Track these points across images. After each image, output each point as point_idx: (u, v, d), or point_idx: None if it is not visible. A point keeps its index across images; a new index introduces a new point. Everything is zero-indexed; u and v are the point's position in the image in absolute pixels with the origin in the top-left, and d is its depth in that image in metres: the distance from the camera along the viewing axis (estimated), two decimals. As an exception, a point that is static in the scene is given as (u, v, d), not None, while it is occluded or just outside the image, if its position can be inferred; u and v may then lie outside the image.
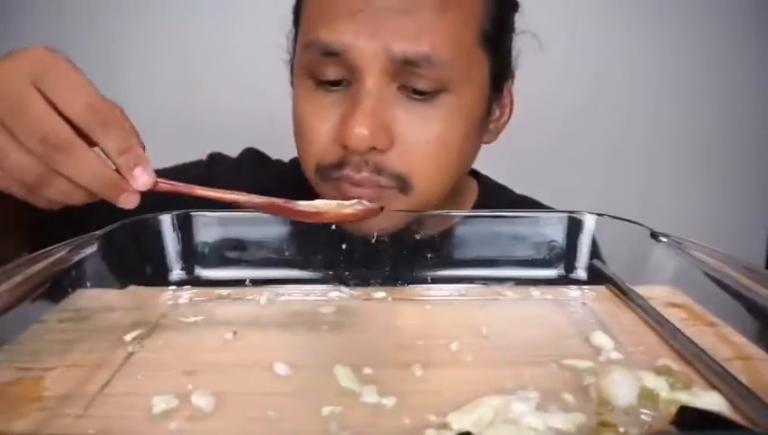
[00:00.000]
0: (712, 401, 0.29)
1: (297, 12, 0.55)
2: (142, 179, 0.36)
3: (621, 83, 1.20)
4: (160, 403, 0.29)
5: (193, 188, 0.39)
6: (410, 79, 0.49)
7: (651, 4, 1.17)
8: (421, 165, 0.50)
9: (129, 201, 0.37)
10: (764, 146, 1.26)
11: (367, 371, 0.33)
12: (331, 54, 0.49)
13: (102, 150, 0.36)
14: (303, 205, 0.41)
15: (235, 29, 1.12)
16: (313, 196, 0.56)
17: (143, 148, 0.37)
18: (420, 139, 0.50)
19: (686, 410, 0.26)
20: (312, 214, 0.41)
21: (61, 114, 0.34)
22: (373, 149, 0.48)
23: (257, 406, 0.29)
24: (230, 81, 1.13)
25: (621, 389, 0.29)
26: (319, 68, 0.50)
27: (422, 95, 0.49)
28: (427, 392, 0.31)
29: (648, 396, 0.29)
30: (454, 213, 0.53)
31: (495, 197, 0.68)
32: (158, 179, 0.37)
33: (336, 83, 0.50)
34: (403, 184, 0.51)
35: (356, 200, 0.43)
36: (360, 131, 0.47)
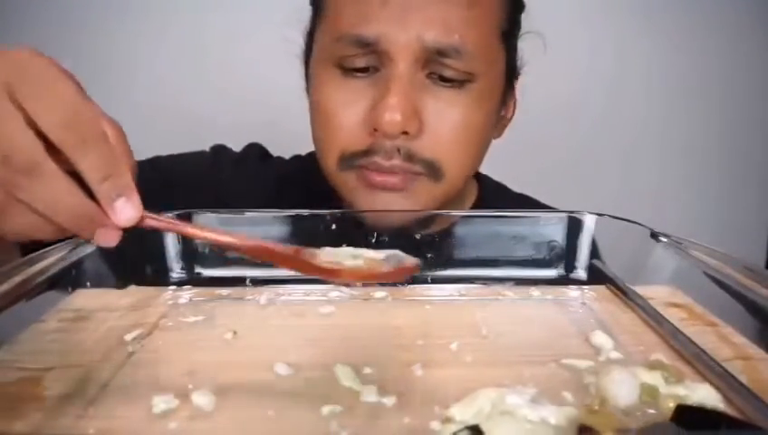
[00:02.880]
0: (706, 395, 0.29)
1: (317, 3, 0.56)
2: (126, 213, 0.30)
3: (635, 89, 1.21)
4: (160, 403, 0.29)
5: (185, 226, 0.33)
6: (438, 67, 0.50)
7: (665, 10, 1.18)
8: (450, 150, 0.52)
9: (107, 238, 0.31)
10: (766, 148, 1.27)
11: (367, 370, 0.33)
12: (364, 45, 0.49)
13: (82, 175, 0.29)
14: (325, 258, 0.32)
15: (223, 27, 1.12)
16: (320, 195, 0.56)
17: (134, 174, 0.31)
18: (448, 124, 0.51)
19: (684, 408, 0.26)
20: (332, 271, 0.31)
21: (37, 130, 0.28)
22: (404, 133, 0.49)
23: (257, 406, 0.29)
24: (217, 80, 1.13)
25: (622, 388, 0.29)
26: (348, 59, 0.51)
27: (449, 82, 0.51)
28: (427, 392, 0.31)
29: (649, 392, 0.29)
30: (454, 213, 0.53)
31: (495, 195, 0.68)
32: (146, 214, 0.31)
33: (363, 70, 0.51)
34: (434, 171, 0.52)
35: (391, 252, 0.33)
36: (393, 116, 0.48)
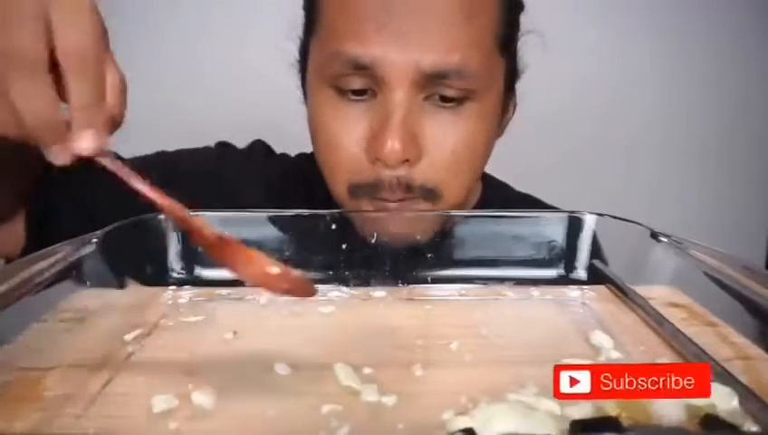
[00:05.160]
0: (724, 395, 0.28)
1: (310, 14, 0.54)
2: (86, 142, 0.32)
3: (635, 89, 1.22)
4: (160, 403, 0.29)
5: (132, 177, 0.33)
6: (437, 89, 0.49)
7: (666, 13, 1.18)
8: (450, 174, 0.51)
9: (58, 156, 0.32)
10: (766, 148, 1.27)
11: (367, 370, 0.33)
12: (358, 67, 0.48)
13: (69, 97, 0.31)
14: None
15: (222, 28, 1.12)
16: (326, 193, 0.56)
17: (117, 122, 0.34)
18: (448, 148, 0.50)
19: (710, 419, 0.26)
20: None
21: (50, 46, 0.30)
22: (405, 162, 0.48)
23: (257, 406, 0.29)
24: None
25: (671, 411, 0.27)
26: (343, 79, 0.49)
27: (449, 103, 0.49)
28: (427, 392, 0.31)
29: (694, 413, 0.27)
30: (454, 213, 0.53)
31: (497, 194, 0.68)
32: (103, 152, 0.33)
33: (360, 92, 0.49)
34: (432, 195, 0.51)
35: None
36: (393, 146, 0.47)
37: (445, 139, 0.50)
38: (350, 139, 0.50)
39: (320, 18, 0.52)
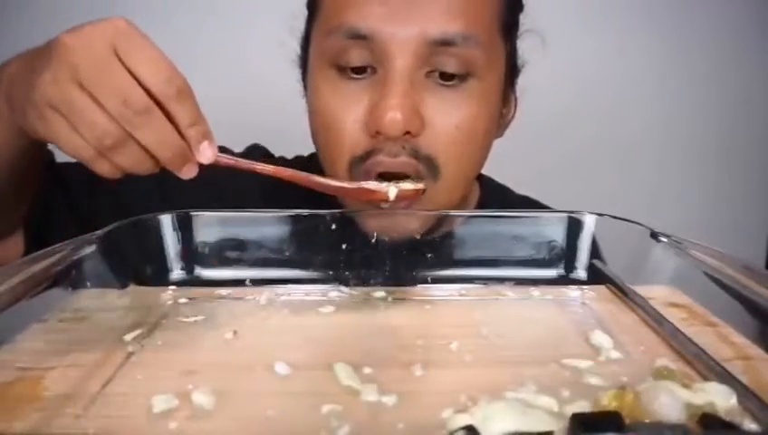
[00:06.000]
0: (721, 393, 0.28)
1: (312, 3, 0.55)
2: (207, 153, 0.39)
3: (635, 90, 1.21)
4: (160, 403, 0.29)
5: (252, 164, 0.43)
6: (439, 63, 0.48)
7: (665, 11, 1.18)
8: (452, 150, 0.50)
9: (190, 172, 0.39)
10: (766, 148, 1.27)
11: (367, 370, 0.33)
12: (358, 38, 0.48)
13: (173, 122, 0.36)
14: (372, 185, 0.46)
15: (221, 28, 1.12)
16: (322, 196, 0.56)
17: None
18: (450, 123, 0.49)
19: (708, 417, 0.26)
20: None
21: (139, 84, 0.35)
22: (407, 133, 0.48)
23: (257, 406, 0.29)
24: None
25: (667, 410, 0.27)
26: (343, 54, 0.49)
27: (450, 80, 0.49)
28: (427, 392, 0.31)
29: (694, 412, 0.27)
30: (454, 213, 0.53)
31: (496, 197, 0.68)
32: (220, 155, 0.40)
33: (360, 71, 0.49)
34: (433, 170, 0.50)
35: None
36: (394, 115, 0.46)
37: (447, 114, 0.49)
38: (350, 117, 0.49)
39: (321, 1, 0.52)
